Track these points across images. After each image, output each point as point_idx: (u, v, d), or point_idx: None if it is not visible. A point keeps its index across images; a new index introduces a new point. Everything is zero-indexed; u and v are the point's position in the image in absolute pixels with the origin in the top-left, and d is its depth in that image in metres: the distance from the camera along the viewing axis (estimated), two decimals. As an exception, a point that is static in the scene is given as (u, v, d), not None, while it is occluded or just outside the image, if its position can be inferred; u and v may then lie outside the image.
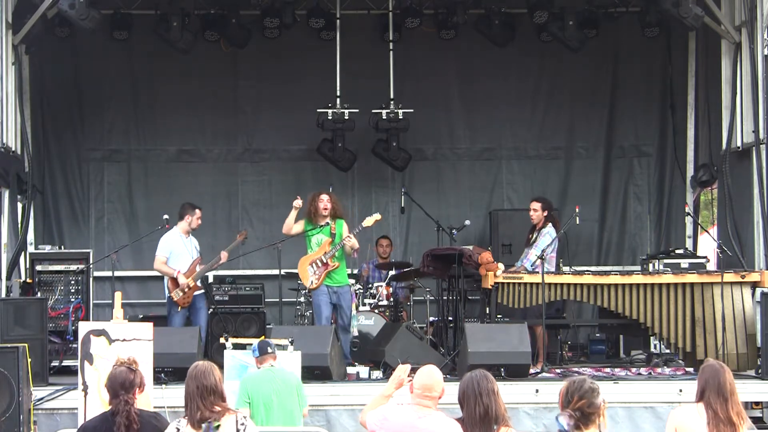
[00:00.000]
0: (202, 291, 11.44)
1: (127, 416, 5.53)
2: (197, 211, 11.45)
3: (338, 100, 13.16)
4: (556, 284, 10.60)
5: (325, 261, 11.05)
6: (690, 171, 14.22)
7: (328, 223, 11.19)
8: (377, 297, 12.03)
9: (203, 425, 5.34)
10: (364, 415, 5.77)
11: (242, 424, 5.39)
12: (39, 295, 11.58)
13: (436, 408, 5.56)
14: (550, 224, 11.42)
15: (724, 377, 5.72)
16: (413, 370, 5.77)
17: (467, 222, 12.37)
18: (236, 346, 8.76)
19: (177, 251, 11.27)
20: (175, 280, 11.15)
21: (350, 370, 10.42)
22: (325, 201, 11.16)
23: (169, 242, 11.31)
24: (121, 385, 5.61)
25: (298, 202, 11.20)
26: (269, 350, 7.87)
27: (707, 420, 5.64)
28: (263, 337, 10.77)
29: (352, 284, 12.08)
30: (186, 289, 11.16)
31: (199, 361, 5.69)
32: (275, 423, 7.37)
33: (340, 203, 11.54)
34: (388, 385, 5.90)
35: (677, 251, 12.65)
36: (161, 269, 11.30)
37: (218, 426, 5.33)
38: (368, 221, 11.55)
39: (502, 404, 5.48)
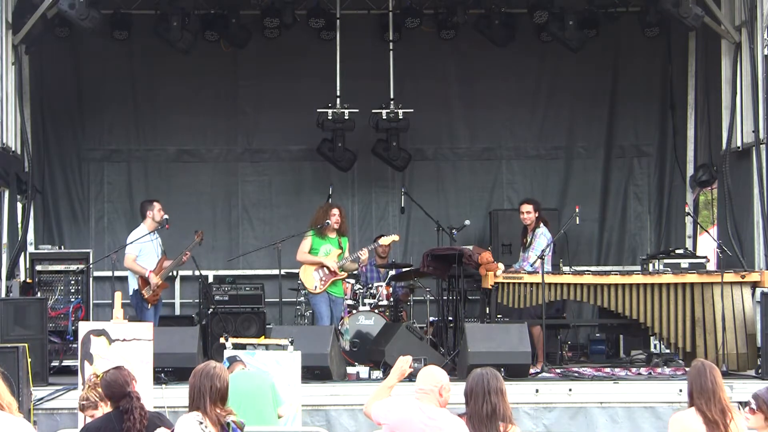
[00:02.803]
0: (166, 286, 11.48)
1: (141, 410, 5.55)
2: (155, 203, 11.45)
3: (338, 100, 13.15)
4: (556, 284, 10.60)
5: (333, 269, 11.18)
6: (690, 171, 14.22)
7: (335, 237, 11.38)
8: (377, 297, 12.04)
9: (229, 424, 5.33)
10: (368, 405, 5.82)
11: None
12: (39, 295, 11.58)
13: (442, 406, 5.59)
14: (542, 225, 11.43)
15: (706, 376, 5.74)
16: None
17: (467, 222, 12.38)
18: (236, 346, 8.75)
19: (145, 249, 11.27)
20: (145, 279, 11.15)
21: (350, 370, 10.43)
22: (337, 216, 11.28)
23: (139, 241, 11.28)
24: (122, 385, 5.63)
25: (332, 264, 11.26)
26: (237, 359, 7.91)
27: (702, 422, 5.68)
28: (263, 336, 10.79)
29: (352, 284, 12.11)
30: (155, 288, 11.16)
31: (211, 361, 5.67)
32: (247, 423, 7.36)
33: (347, 219, 11.76)
34: (390, 376, 5.96)
35: (677, 251, 12.65)
36: (133, 267, 11.23)
37: (243, 426, 5.34)
38: (385, 240, 11.99)
39: (508, 405, 5.51)
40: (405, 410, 5.60)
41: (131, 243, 11.26)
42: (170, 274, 11.67)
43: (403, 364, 5.96)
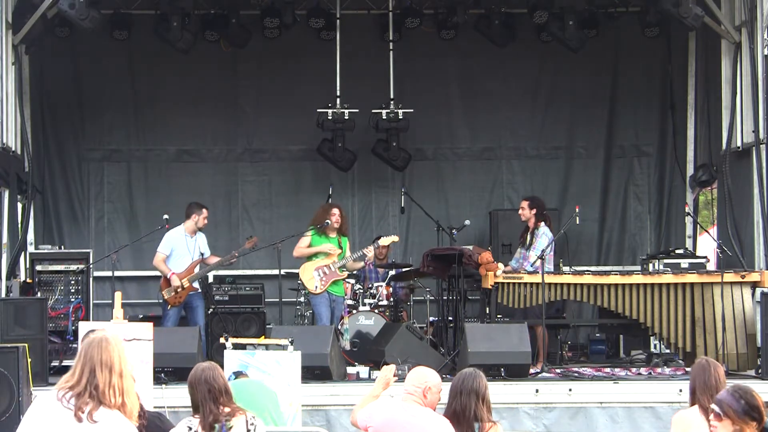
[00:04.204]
0: (199, 290, 11.45)
1: (140, 410, 5.54)
2: (204, 210, 11.51)
3: (338, 100, 13.15)
4: (556, 284, 10.60)
5: (333, 269, 11.19)
6: (690, 171, 14.22)
7: (335, 236, 11.39)
8: (377, 297, 12.04)
9: (216, 426, 5.31)
10: (354, 414, 5.83)
11: (252, 423, 5.35)
12: (39, 295, 11.58)
13: (428, 406, 5.58)
14: (543, 224, 11.42)
15: (710, 373, 5.72)
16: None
17: (467, 222, 12.39)
18: (236, 346, 8.74)
19: (179, 250, 11.29)
20: (167, 280, 11.17)
21: (350, 370, 10.43)
22: (336, 215, 11.28)
23: (172, 240, 11.34)
24: None
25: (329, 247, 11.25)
26: (243, 373, 7.91)
27: (705, 419, 5.64)
28: (263, 336, 10.78)
29: (352, 284, 12.11)
30: (179, 290, 11.16)
31: (201, 362, 5.66)
32: None
33: (347, 219, 11.75)
34: (375, 385, 5.98)
35: (677, 251, 12.65)
36: (159, 266, 11.35)
37: (231, 427, 5.31)
38: (385, 240, 11.90)
39: (484, 407, 5.48)
40: (388, 411, 5.59)
41: (164, 239, 11.32)
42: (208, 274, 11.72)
43: (387, 373, 5.98)
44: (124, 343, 4.41)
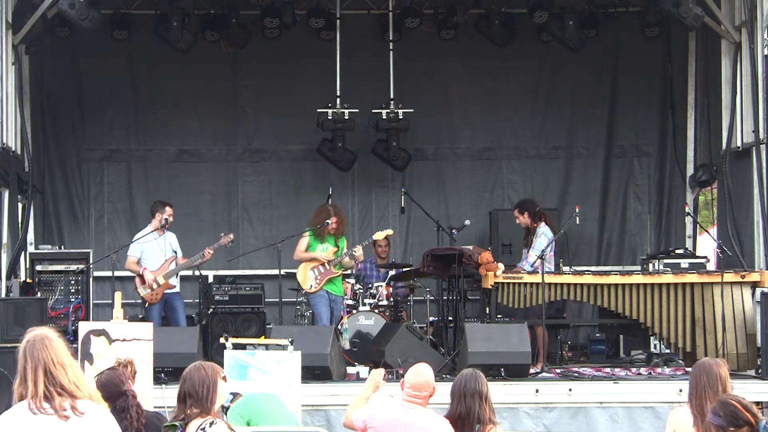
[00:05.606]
0: (177, 290, 11.44)
1: (138, 408, 5.55)
2: (167, 208, 11.42)
3: (338, 100, 13.14)
4: (556, 284, 10.60)
5: (328, 268, 11.24)
6: (690, 171, 14.22)
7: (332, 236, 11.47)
8: (377, 297, 12.04)
9: (177, 424, 5.32)
10: (348, 416, 5.84)
11: (201, 428, 5.27)
12: (39, 295, 11.58)
13: (426, 405, 5.60)
14: (542, 224, 11.41)
15: (714, 373, 5.63)
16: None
17: (467, 222, 12.39)
18: (236, 346, 8.74)
19: (149, 251, 11.27)
20: (142, 277, 11.16)
21: (350, 370, 10.43)
22: (332, 222, 11.34)
23: (139, 242, 11.29)
24: (118, 384, 5.64)
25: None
26: (238, 393, 7.87)
27: (693, 418, 5.49)
28: (263, 336, 10.78)
29: (352, 284, 12.11)
30: (155, 287, 11.14)
31: (195, 361, 5.66)
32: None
33: (346, 220, 11.83)
34: (365, 387, 6.00)
35: (677, 251, 12.65)
36: (130, 268, 11.32)
37: (173, 426, 5.29)
38: (379, 234, 11.95)
39: (488, 408, 5.49)
40: (390, 412, 5.60)
41: (131, 243, 11.30)
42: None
43: (377, 376, 6.01)
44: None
